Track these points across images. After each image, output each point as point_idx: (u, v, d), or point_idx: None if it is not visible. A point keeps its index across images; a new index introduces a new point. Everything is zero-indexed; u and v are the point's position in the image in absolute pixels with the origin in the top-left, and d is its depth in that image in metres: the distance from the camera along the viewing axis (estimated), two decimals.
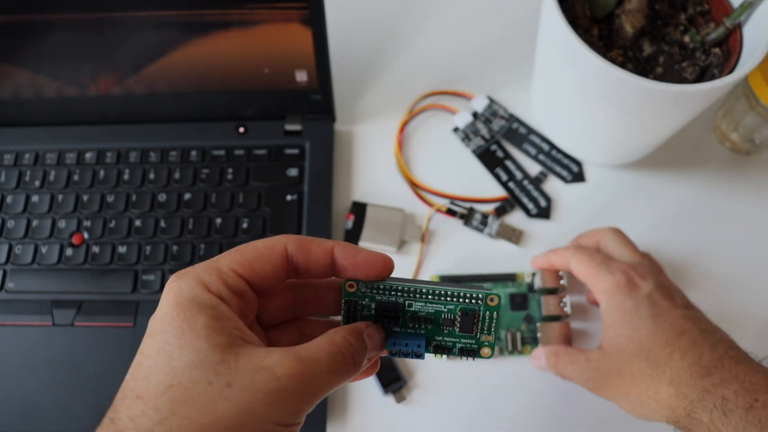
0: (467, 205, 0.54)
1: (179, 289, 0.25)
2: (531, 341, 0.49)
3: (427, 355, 0.28)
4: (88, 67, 0.53)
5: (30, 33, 0.50)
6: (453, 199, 0.55)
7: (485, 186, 0.56)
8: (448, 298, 0.28)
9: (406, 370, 0.49)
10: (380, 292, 0.28)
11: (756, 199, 0.55)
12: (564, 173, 0.56)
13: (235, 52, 0.52)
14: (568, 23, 0.43)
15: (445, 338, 0.28)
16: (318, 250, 0.28)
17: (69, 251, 0.52)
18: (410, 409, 0.47)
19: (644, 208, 0.55)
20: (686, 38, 0.49)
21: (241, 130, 0.56)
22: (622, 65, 0.47)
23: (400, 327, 0.28)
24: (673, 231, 0.54)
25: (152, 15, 0.49)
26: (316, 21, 0.49)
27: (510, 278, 0.51)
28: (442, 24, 0.64)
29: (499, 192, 0.55)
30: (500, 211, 0.54)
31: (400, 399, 0.47)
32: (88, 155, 0.55)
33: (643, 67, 0.48)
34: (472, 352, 0.28)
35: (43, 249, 0.52)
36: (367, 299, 0.28)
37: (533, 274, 0.50)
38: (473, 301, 0.28)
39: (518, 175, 0.56)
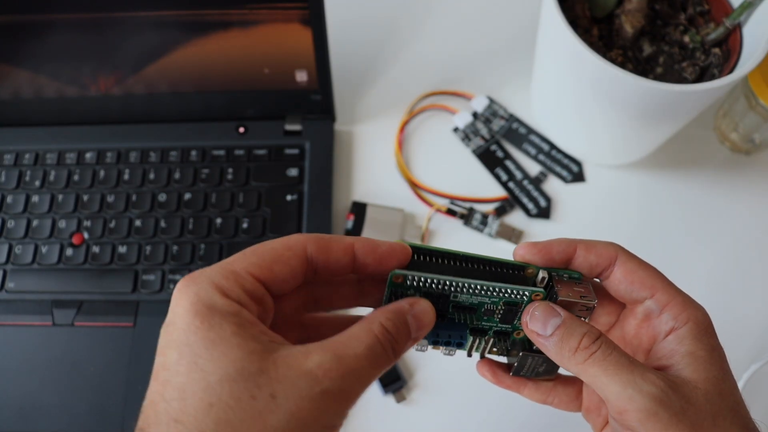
0: (467, 205, 0.54)
1: (196, 296, 0.23)
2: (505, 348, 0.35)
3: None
4: (88, 67, 0.53)
5: (30, 33, 0.50)
6: (453, 199, 0.55)
7: (485, 186, 0.56)
8: (493, 292, 0.27)
9: (406, 370, 0.49)
10: (426, 285, 0.27)
11: (756, 199, 0.55)
12: (564, 173, 0.56)
13: (235, 52, 0.52)
14: (568, 23, 0.43)
15: (483, 323, 0.29)
16: (338, 249, 0.26)
17: (69, 251, 0.52)
18: (410, 409, 0.47)
19: (644, 208, 0.55)
20: (686, 38, 0.49)
21: (241, 130, 0.56)
22: (622, 65, 0.47)
23: (443, 318, 0.28)
24: (673, 231, 0.54)
25: (152, 15, 0.49)
26: (316, 21, 0.49)
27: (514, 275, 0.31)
28: (442, 24, 0.64)
29: (499, 192, 0.55)
30: (500, 211, 0.54)
31: (400, 399, 0.47)
32: (88, 155, 0.55)
33: (643, 67, 0.48)
34: (506, 335, 0.29)
35: (43, 249, 0.52)
36: (411, 289, 0.27)
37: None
38: (518, 296, 0.27)
39: (518, 175, 0.56)
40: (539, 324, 0.27)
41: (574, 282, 0.28)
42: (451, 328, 0.28)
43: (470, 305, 0.28)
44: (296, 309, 0.28)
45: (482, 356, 0.31)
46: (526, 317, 0.28)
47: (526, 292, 0.27)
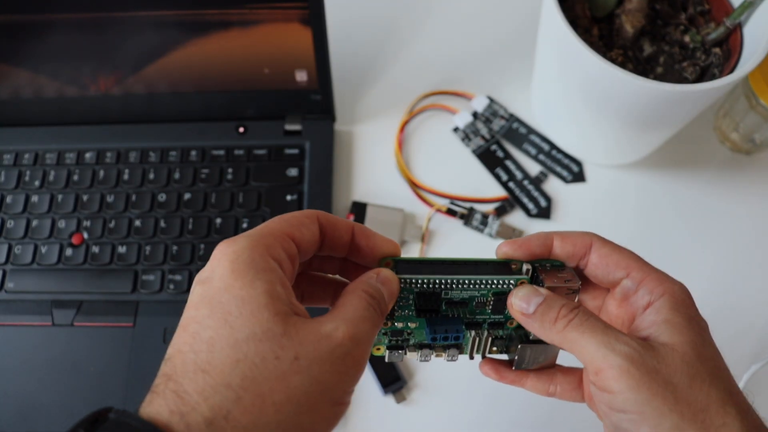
0: (467, 205, 0.54)
1: (235, 254, 0.24)
2: (503, 342, 0.33)
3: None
4: (88, 67, 0.53)
5: (30, 33, 0.50)
6: (453, 199, 0.55)
7: (485, 186, 0.56)
8: (482, 285, 0.29)
9: (406, 370, 0.49)
10: (417, 285, 0.29)
11: (756, 199, 0.55)
12: (564, 173, 0.56)
13: (235, 52, 0.52)
14: (568, 23, 0.43)
15: (477, 316, 0.30)
16: (342, 226, 0.28)
17: (69, 251, 0.52)
18: (410, 409, 0.47)
19: (644, 208, 0.55)
20: (686, 38, 0.48)
21: (241, 130, 0.56)
22: (623, 65, 0.47)
23: (437, 313, 0.30)
24: (673, 231, 0.54)
25: (152, 15, 0.49)
26: (316, 21, 0.49)
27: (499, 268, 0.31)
28: (442, 24, 0.64)
29: (499, 192, 0.55)
30: (500, 211, 0.54)
31: (400, 399, 0.47)
32: (87, 155, 0.55)
33: (643, 67, 0.48)
34: (500, 325, 0.30)
35: (43, 249, 0.52)
36: (405, 291, 0.29)
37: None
38: (504, 285, 0.29)
39: (518, 175, 0.56)
40: (524, 304, 0.28)
41: (557, 269, 0.29)
42: (447, 323, 0.29)
43: (461, 300, 0.29)
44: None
45: (483, 357, 0.32)
46: (511, 299, 0.29)
47: (512, 281, 0.29)
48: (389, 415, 0.47)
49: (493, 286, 0.29)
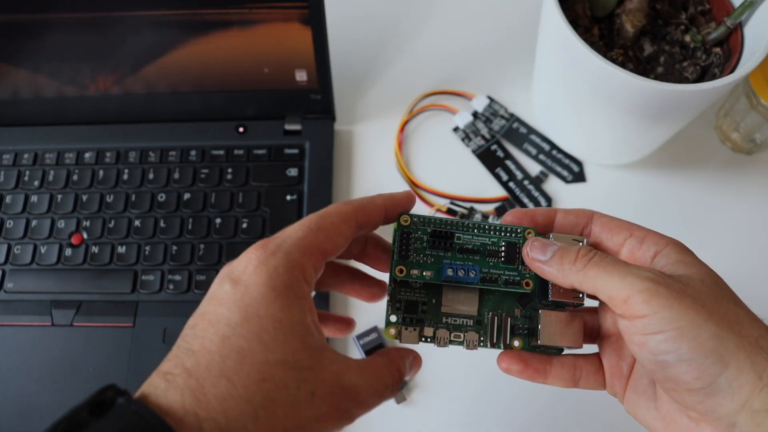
0: (467, 205, 0.54)
1: (275, 271, 0.25)
2: (524, 332, 0.32)
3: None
4: (87, 66, 0.53)
5: (29, 32, 0.50)
6: (453, 199, 0.55)
7: (485, 186, 0.56)
8: (493, 231, 0.31)
9: None
10: (432, 223, 0.31)
11: (757, 199, 0.55)
12: (564, 173, 0.56)
13: (235, 52, 0.52)
14: (569, 23, 0.43)
15: (492, 270, 0.31)
16: (376, 214, 0.29)
17: (68, 251, 0.51)
18: (410, 409, 0.47)
19: (645, 208, 0.55)
20: (687, 38, 0.48)
21: (241, 129, 0.56)
22: (623, 65, 0.47)
23: (451, 259, 0.30)
24: (673, 231, 0.53)
25: (152, 15, 0.49)
26: (316, 21, 0.49)
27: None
28: (442, 24, 0.64)
29: (500, 192, 0.55)
30: (500, 211, 0.54)
31: (400, 399, 0.47)
32: (87, 155, 0.55)
33: (643, 67, 0.48)
34: (515, 283, 0.31)
35: (42, 249, 0.52)
36: (420, 231, 0.30)
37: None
38: (513, 234, 0.31)
39: (519, 174, 0.56)
40: (539, 252, 0.29)
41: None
42: (462, 263, 0.30)
43: (474, 247, 0.31)
44: None
45: (503, 346, 0.31)
46: (526, 248, 0.30)
47: (519, 230, 0.31)
48: (389, 415, 0.47)
49: (503, 235, 0.31)
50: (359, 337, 0.48)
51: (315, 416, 0.24)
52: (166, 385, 0.22)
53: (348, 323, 0.35)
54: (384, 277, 0.32)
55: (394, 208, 0.30)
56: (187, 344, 0.24)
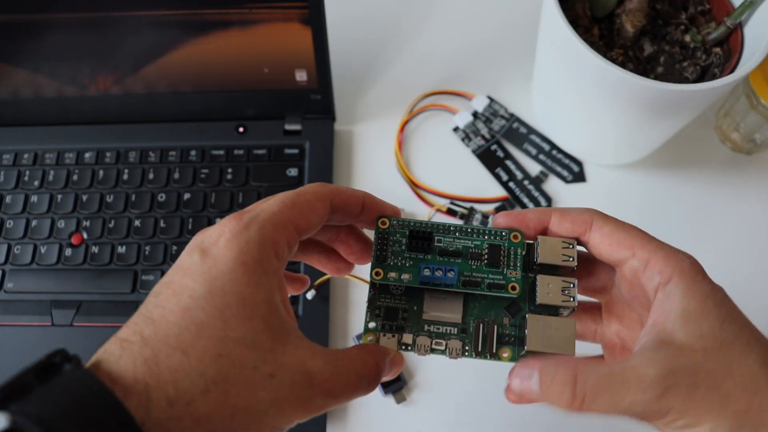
0: (467, 205, 0.54)
1: (247, 245, 0.24)
2: (512, 342, 0.29)
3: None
4: (87, 66, 0.53)
5: (29, 32, 0.50)
6: (453, 199, 0.55)
7: (485, 186, 0.56)
8: (475, 234, 0.30)
9: (406, 370, 0.48)
10: (411, 225, 0.30)
11: (757, 199, 0.55)
12: (564, 173, 0.56)
13: (235, 52, 0.52)
14: (569, 23, 0.43)
15: (474, 273, 0.29)
16: (353, 201, 0.29)
17: (68, 251, 0.51)
18: (410, 409, 0.47)
19: (645, 208, 0.55)
20: (687, 38, 0.48)
21: (241, 129, 0.56)
22: (623, 65, 0.47)
23: (430, 262, 0.29)
24: (673, 231, 0.54)
25: (152, 15, 0.49)
26: (316, 21, 0.49)
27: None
28: (442, 24, 0.64)
29: (500, 192, 0.55)
30: (501, 211, 0.54)
31: (400, 400, 0.47)
32: (87, 155, 0.55)
33: (643, 67, 0.48)
34: (500, 287, 0.29)
35: (42, 249, 0.52)
36: (398, 234, 0.29)
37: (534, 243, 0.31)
38: (498, 237, 0.30)
39: (519, 174, 0.56)
40: (522, 383, 0.26)
41: (556, 272, 0.29)
42: (440, 264, 0.29)
43: (455, 250, 0.29)
44: None
45: (489, 354, 0.29)
46: (510, 386, 0.27)
47: (503, 232, 0.30)
48: (389, 415, 0.47)
49: (487, 237, 0.29)
50: (359, 337, 0.48)
51: (271, 399, 0.23)
52: (120, 352, 0.22)
53: (302, 281, 0.33)
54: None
55: (374, 205, 0.29)
56: (147, 312, 0.23)
